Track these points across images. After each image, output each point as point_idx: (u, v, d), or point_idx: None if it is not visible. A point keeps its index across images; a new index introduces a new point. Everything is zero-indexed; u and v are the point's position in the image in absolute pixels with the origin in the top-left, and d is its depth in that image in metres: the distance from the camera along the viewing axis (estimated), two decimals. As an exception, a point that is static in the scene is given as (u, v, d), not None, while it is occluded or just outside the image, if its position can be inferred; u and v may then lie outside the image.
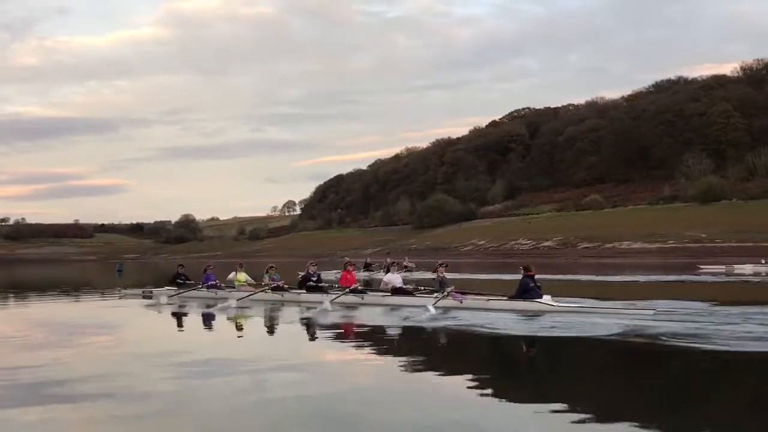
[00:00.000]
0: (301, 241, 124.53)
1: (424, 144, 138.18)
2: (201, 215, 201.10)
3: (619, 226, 69.07)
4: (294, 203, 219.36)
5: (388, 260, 31.95)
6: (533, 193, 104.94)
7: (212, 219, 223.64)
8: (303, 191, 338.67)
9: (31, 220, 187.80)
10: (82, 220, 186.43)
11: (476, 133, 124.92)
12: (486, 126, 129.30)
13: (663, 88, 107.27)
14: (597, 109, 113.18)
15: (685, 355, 9.30)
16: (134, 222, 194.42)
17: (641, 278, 28.73)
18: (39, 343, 11.90)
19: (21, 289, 31.18)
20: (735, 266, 34.40)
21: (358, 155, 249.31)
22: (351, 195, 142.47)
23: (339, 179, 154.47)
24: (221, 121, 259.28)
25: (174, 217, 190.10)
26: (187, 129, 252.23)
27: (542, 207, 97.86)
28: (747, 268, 33.35)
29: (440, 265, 17.27)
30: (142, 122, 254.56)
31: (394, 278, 17.38)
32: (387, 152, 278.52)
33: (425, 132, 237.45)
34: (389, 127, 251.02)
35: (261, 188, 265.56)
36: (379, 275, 26.61)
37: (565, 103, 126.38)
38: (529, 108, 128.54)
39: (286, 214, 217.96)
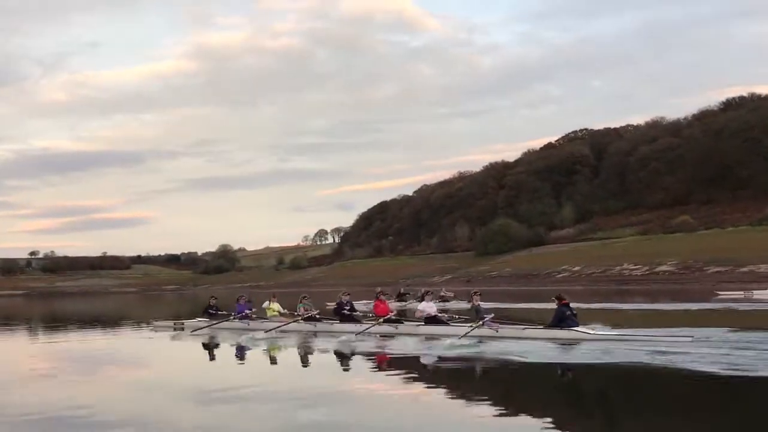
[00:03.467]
0: (355, 269, 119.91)
1: (448, 171, 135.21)
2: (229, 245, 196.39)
3: (732, 248, 63.65)
4: (326, 232, 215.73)
5: (423, 289, 31.71)
6: (607, 216, 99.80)
7: (240, 249, 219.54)
8: (328, 220, 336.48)
9: (59, 252, 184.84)
10: (110, 252, 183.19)
11: (534, 155, 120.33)
12: (540, 149, 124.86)
13: (737, 105, 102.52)
14: (662, 128, 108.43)
15: (719, 381, 9.28)
16: (162, 253, 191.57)
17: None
18: (74, 377, 12.17)
19: (65, 322, 31.39)
20: (754, 291, 33.67)
21: (382, 183, 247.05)
22: (399, 222, 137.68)
23: (383, 206, 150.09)
24: (248, 152, 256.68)
25: (202, 248, 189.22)
26: (214, 160, 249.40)
27: (620, 230, 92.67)
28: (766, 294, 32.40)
29: (475, 293, 17.33)
30: (169, 154, 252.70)
31: (429, 307, 17.31)
32: (412, 180, 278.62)
33: (450, 159, 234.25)
34: (414, 154, 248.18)
35: (287, 218, 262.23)
36: (412, 305, 26.71)
37: (608, 126, 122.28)
38: (587, 129, 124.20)
39: (318, 243, 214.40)
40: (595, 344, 13.43)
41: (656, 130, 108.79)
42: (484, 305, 17.64)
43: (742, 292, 34.31)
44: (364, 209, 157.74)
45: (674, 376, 10.00)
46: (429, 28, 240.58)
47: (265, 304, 20.82)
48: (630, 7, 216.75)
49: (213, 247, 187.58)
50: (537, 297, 38.16)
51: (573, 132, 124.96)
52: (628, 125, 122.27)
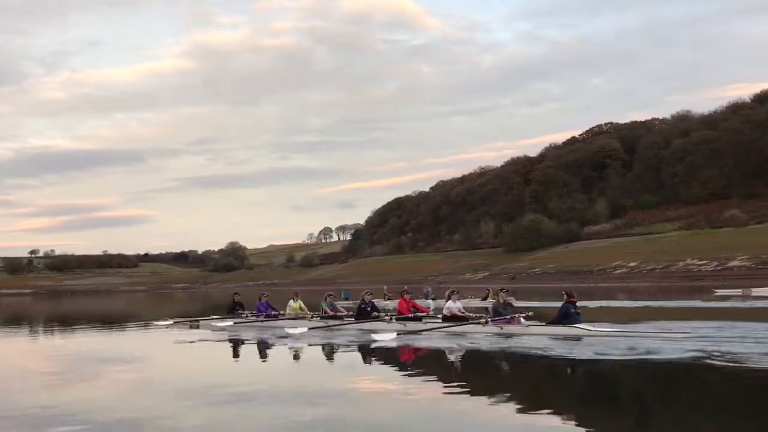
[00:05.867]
0: (376, 266, 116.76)
1: (449, 169, 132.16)
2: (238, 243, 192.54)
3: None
4: (331, 230, 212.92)
5: (450, 288, 30.16)
6: (642, 211, 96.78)
7: (243, 247, 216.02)
8: (328, 218, 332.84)
9: (59, 251, 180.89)
10: (111, 251, 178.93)
11: (560, 149, 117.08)
12: (564, 143, 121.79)
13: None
14: (695, 121, 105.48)
15: (716, 374, 9.83)
16: (163, 251, 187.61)
17: None
18: (89, 376, 12.12)
19: (80, 321, 30.79)
20: (753, 289, 33.72)
21: (383, 181, 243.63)
22: (416, 218, 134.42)
23: (398, 203, 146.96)
24: (248, 151, 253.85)
25: (202, 247, 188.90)
26: (214, 159, 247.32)
27: (659, 225, 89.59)
28: (765, 291, 32.37)
29: (500, 290, 17.61)
30: (169, 153, 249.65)
31: (454, 306, 17.56)
32: (412, 178, 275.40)
33: (451, 157, 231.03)
34: (414, 153, 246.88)
35: (287, 216, 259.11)
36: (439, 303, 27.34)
37: (629, 120, 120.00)
38: (611, 122, 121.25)
39: (324, 241, 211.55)
40: (596, 340, 13.72)
41: (687, 123, 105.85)
42: (518, 304, 17.89)
43: (740, 290, 34.56)
44: (365, 207, 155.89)
45: (674, 369, 10.43)
46: (429, 27, 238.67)
47: (290, 303, 20.74)
48: (631, 5, 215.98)
49: (214, 246, 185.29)
50: (593, 295, 34.63)
51: (597, 126, 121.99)
52: (654, 119, 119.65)
